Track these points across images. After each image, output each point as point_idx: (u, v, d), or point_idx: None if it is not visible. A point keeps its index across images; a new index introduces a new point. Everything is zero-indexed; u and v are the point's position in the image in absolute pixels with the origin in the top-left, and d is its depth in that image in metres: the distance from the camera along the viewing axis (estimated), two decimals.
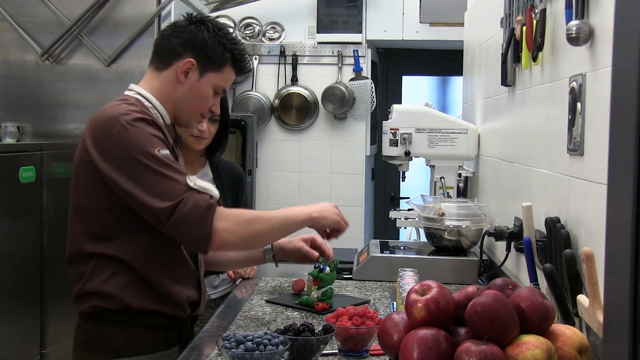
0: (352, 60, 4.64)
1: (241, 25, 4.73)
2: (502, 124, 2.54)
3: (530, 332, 1.28)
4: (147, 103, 1.78)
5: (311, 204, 1.88)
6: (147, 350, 1.75)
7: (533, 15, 1.96)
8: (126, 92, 1.82)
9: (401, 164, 3.06)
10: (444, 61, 4.82)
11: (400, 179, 3.15)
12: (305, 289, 2.17)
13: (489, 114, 2.83)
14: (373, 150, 4.92)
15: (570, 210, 1.68)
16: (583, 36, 1.53)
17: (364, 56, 4.65)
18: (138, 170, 1.64)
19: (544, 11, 1.88)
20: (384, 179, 5.22)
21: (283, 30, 4.71)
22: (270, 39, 4.72)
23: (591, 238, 1.51)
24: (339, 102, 4.60)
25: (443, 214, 2.46)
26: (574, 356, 1.28)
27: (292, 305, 2.06)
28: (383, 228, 5.12)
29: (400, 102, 4.82)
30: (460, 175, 3.09)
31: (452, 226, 2.46)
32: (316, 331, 1.54)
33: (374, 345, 1.58)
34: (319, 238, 2.06)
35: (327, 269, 2.04)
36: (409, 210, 2.85)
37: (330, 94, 4.61)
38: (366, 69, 4.66)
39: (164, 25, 3.40)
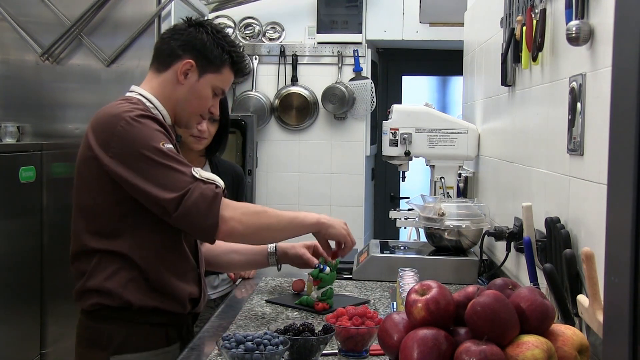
0: (352, 60, 4.64)
1: (241, 25, 4.73)
2: (502, 124, 2.54)
3: (530, 332, 1.28)
4: (148, 103, 1.81)
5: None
6: (147, 347, 1.77)
7: (533, 15, 1.96)
8: (127, 94, 1.85)
9: (401, 164, 3.06)
10: (444, 61, 4.82)
11: (400, 179, 3.15)
12: (305, 289, 2.17)
13: (489, 114, 2.83)
14: (373, 150, 4.92)
15: (570, 210, 1.68)
16: (583, 36, 1.53)
17: (364, 56, 4.65)
18: (143, 164, 1.67)
19: (544, 11, 1.88)
20: (384, 179, 5.22)
21: (283, 30, 4.71)
22: (270, 39, 4.72)
23: (591, 238, 1.51)
24: (339, 102, 4.60)
25: (443, 214, 2.46)
26: (574, 356, 1.28)
27: (292, 305, 2.06)
28: (383, 228, 5.12)
29: (400, 102, 4.82)
30: (460, 175, 3.09)
31: (452, 226, 2.46)
32: (316, 331, 1.54)
33: (374, 345, 1.58)
34: (320, 247, 2.07)
35: (327, 269, 2.04)
36: (409, 210, 2.85)
37: (330, 94, 4.61)
38: (366, 69, 4.66)
39: (164, 25, 3.41)
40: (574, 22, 1.55)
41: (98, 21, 3.43)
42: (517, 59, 2.18)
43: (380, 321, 1.56)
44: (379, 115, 4.74)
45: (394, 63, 5.21)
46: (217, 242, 2.13)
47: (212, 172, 2.49)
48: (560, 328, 1.32)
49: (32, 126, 3.47)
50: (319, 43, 4.66)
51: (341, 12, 4.63)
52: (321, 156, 4.71)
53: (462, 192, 3.14)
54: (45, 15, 3.44)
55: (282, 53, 4.67)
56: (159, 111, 1.82)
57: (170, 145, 1.72)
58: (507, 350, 1.25)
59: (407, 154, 2.97)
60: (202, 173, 1.70)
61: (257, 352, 1.38)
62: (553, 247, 1.69)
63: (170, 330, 1.82)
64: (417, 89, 5.26)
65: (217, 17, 4.67)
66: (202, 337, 1.80)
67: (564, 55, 1.75)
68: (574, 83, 1.63)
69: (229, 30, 4.63)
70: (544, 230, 1.77)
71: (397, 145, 2.99)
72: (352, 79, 4.64)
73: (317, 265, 2.05)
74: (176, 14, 3.46)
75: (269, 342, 1.42)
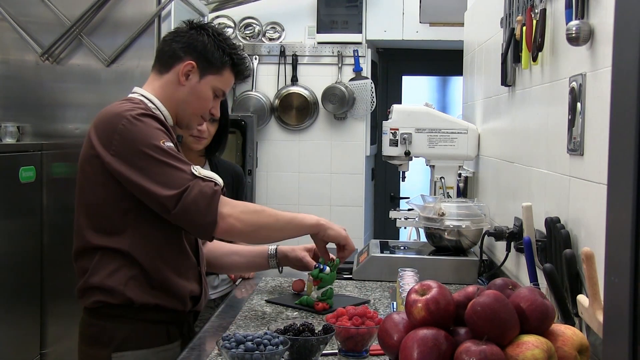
0: (352, 60, 4.64)
1: (241, 25, 4.73)
2: (502, 124, 2.54)
3: (530, 332, 1.28)
4: (150, 104, 1.84)
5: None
6: (149, 345, 1.79)
7: (533, 15, 1.96)
8: (130, 95, 1.88)
9: (401, 164, 3.06)
10: (444, 61, 4.82)
11: (400, 179, 3.15)
12: (305, 289, 2.17)
13: (489, 114, 2.83)
14: (373, 150, 4.92)
15: (570, 210, 1.68)
16: (583, 36, 1.53)
17: (364, 56, 4.65)
18: (144, 161, 1.69)
19: (544, 11, 1.88)
20: (384, 179, 5.22)
21: (283, 30, 4.71)
22: (270, 39, 4.72)
23: (591, 238, 1.51)
24: (339, 102, 4.60)
25: (443, 214, 2.46)
26: (574, 356, 1.28)
27: (292, 305, 2.06)
28: (383, 228, 5.12)
29: (400, 102, 4.82)
30: (460, 175, 3.09)
31: (452, 226, 2.46)
32: (316, 331, 1.54)
33: (374, 345, 1.58)
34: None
35: (327, 269, 2.04)
36: (409, 210, 2.85)
37: (330, 94, 4.61)
38: (366, 69, 4.66)
39: (163, 25, 3.41)
40: (574, 22, 1.55)
41: (98, 21, 3.42)
42: (517, 59, 2.18)
43: (380, 321, 1.56)
44: (379, 115, 4.74)
45: (394, 63, 5.21)
46: (218, 244, 2.16)
47: (212, 171, 2.50)
48: (560, 328, 1.32)
49: (32, 126, 3.47)
50: (319, 43, 4.66)
51: (341, 12, 4.63)
52: (321, 156, 4.71)
53: (462, 192, 3.14)
54: (45, 15, 3.44)
55: (282, 53, 4.67)
56: (160, 112, 1.84)
57: (171, 144, 1.74)
58: (507, 350, 1.25)
59: (407, 154, 2.97)
60: (202, 171, 1.73)
61: (257, 352, 1.38)
62: (553, 247, 1.69)
63: (172, 327, 1.84)
64: (417, 89, 5.26)
65: (217, 17, 4.67)
66: (202, 337, 1.80)
67: (564, 55, 1.75)
68: (574, 83, 1.63)
69: (229, 30, 4.63)
70: (544, 230, 1.77)
71: (397, 145, 2.99)
72: (352, 79, 4.64)
73: (317, 265, 2.05)
74: (176, 14, 3.46)
75: (269, 342, 1.42)
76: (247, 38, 4.72)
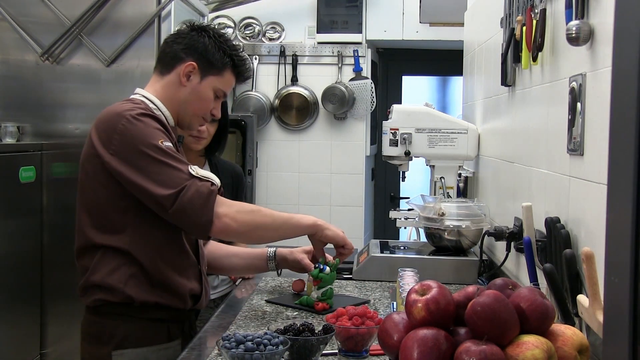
0: (352, 60, 4.64)
1: (241, 25, 4.73)
2: (502, 124, 2.54)
3: (530, 332, 1.28)
4: (151, 105, 1.86)
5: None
6: (149, 343, 1.80)
7: (533, 15, 1.96)
8: (132, 96, 1.90)
9: (401, 164, 3.06)
10: (444, 61, 4.82)
11: (400, 179, 3.15)
12: (305, 289, 2.17)
13: (489, 114, 2.83)
14: (373, 150, 4.92)
15: (570, 210, 1.68)
16: (583, 36, 1.53)
17: (364, 56, 4.65)
18: (142, 161, 1.71)
19: (544, 11, 1.88)
20: (384, 179, 5.22)
21: (283, 30, 4.71)
22: (270, 39, 4.72)
23: (591, 238, 1.51)
24: (339, 102, 4.60)
25: (443, 214, 2.46)
26: (574, 356, 1.28)
27: (292, 305, 2.06)
28: (383, 228, 5.12)
29: (400, 102, 4.82)
30: (460, 175, 3.09)
31: (452, 226, 2.46)
32: (316, 331, 1.54)
33: (374, 345, 1.58)
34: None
35: (327, 269, 2.04)
36: (409, 210, 2.85)
37: (330, 94, 4.61)
38: (366, 69, 4.66)
39: (163, 25, 3.41)
40: (574, 22, 1.55)
41: (98, 21, 3.43)
42: (517, 59, 2.18)
43: (380, 321, 1.56)
44: (379, 115, 4.74)
45: (394, 63, 5.21)
46: (218, 245, 2.17)
47: (212, 172, 2.50)
48: (560, 328, 1.32)
49: (32, 126, 3.47)
50: (319, 43, 4.66)
51: (341, 12, 4.63)
52: (321, 156, 4.71)
53: (462, 192, 3.14)
54: (45, 15, 3.44)
55: (282, 53, 4.67)
56: (161, 112, 1.86)
57: (169, 144, 1.75)
58: (507, 350, 1.25)
59: (407, 154, 2.97)
60: (199, 171, 1.74)
61: (257, 352, 1.38)
62: (553, 247, 1.69)
63: (172, 326, 1.85)
64: (417, 89, 5.26)
65: (217, 17, 4.67)
66: (202, 337, 1.80)
67: (564, 55, 1.75)
68: (574, 83, 1.63)
69: (229, 30, 4.63)
70: (544, 230, 1.77)
71: (397, 145, 2.99)
72: (352, 79, 4.64)
73: (317, 265, 2.05)
74: (176, 14, 3.46)
75: (269, 342, 1.42)
76: (247, 38, 4.72)
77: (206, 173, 1.76)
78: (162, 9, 3.40)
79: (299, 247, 2.21)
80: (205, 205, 1.70)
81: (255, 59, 4.68)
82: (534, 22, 1.94)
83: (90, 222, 1.79)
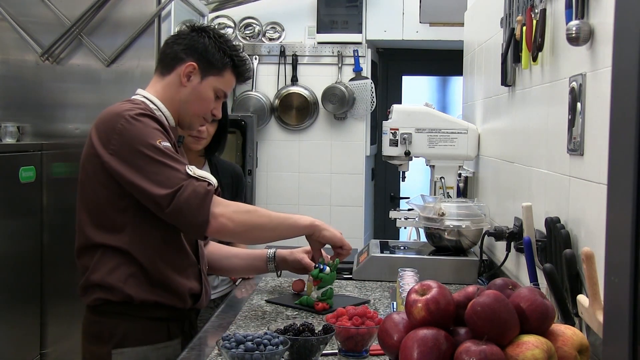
0: (352, 60, 4.64)
1: (241, 25, 4.73)
2: (502, 124, 2.54)
3: (530, 332, 1.28)
4: (152, 105, 1.87)
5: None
6: (148, 341, 1.81)
7: (533, 15, 1.96)
8: (133, 97, 1.91)
9: (401, 164, 3.06)
10: (444, 61, 4.82)
11: (400, 179, 3.15)
12: (305, 289, 2.17)
13: (489, 114, 2.83)
14: (373, 150, 4.92)
15: (570, 210, 1.68)
16: (583, 36, 1.53)
17: (364, 56, 4.65)
18: (140, 161, 1.72)
19: (544, 11, 1.88)
20: (384, 179, 5.22)
21: (283, 30, 4.71)
22: (270, 39, 4.72)
23: (591, 238, 1.51)
24: (339, 102, 4.59)
25: (443, 214, 2.46)
26: (574, 356, 1.28)
27: (292, 305, 2.06)
28: (383, 228, 5.12)
29: (400, 102, 4.82)
30: (460, 175, 3.09)
31: (452, 226, 2.46)
32: (316, 331, 1.54)
33: (374, 345, 1.58)
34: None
35: (327, 269, 2.04)
36: (409, 210, 2.85)
37: (330, 94, 4.61)
38: (366, 69, 4.66)
39: (163, 25, 3.41)
40: (574, 22, 1.55)
41: (98, 21, 3.43)
42: (517, 59, 2.18)
43: (380, 321, 1.56)
44: (379, 115, 4.73)
45: (394, 63, 5.21)
46: (218, 246, 2.18)
47: (212, 172, 2.50)
48: (560, 328, 1.32)
49: (32, 126, 3.47)
50: (319, 43, 4.66)
51: (341, 12, 4.63)
52: (321, 156, 4.70)
53: (462, 192, 3.14)
54: (45, 15, 3.44)
55: (282, 53, 4.67)
56: (162, 112, 1.87)
57: (168, 144, 1.76)
58: (507, 350, 1.25)
59: (407, 154, 2.97)
60: (196, 171, 1.75)
61: (257, 352, 1.38)
62: (553, 247, 1.69)
63: (172, 325, 1.86)
64: (417, 89, 5.26)
65: (217, 17, 4.66)
66: (202, 337, 1.80)
67: (564, 55, 1.75)
68: (574, 83, 1.63)
69: (229, 30, 4.63)
70: (544, 230, 1.77)
71: (397, 145, 2.99)
72: (352, 79, 4.63)
73: (317, 265, 2.05)
74: (176, 14, 3.46)
75: (269, 342, 1.42)
76: (247, 38, 4.71)
77: (203, 173, 1.77)
78: (162, 9, 3.40)
79: (300, 247, 2.21)
80: (202, 205, 1.70)
81: (255, 59, 4.68)
82: (534, 22, 1.94)
83: (90, 222, 1.80)
